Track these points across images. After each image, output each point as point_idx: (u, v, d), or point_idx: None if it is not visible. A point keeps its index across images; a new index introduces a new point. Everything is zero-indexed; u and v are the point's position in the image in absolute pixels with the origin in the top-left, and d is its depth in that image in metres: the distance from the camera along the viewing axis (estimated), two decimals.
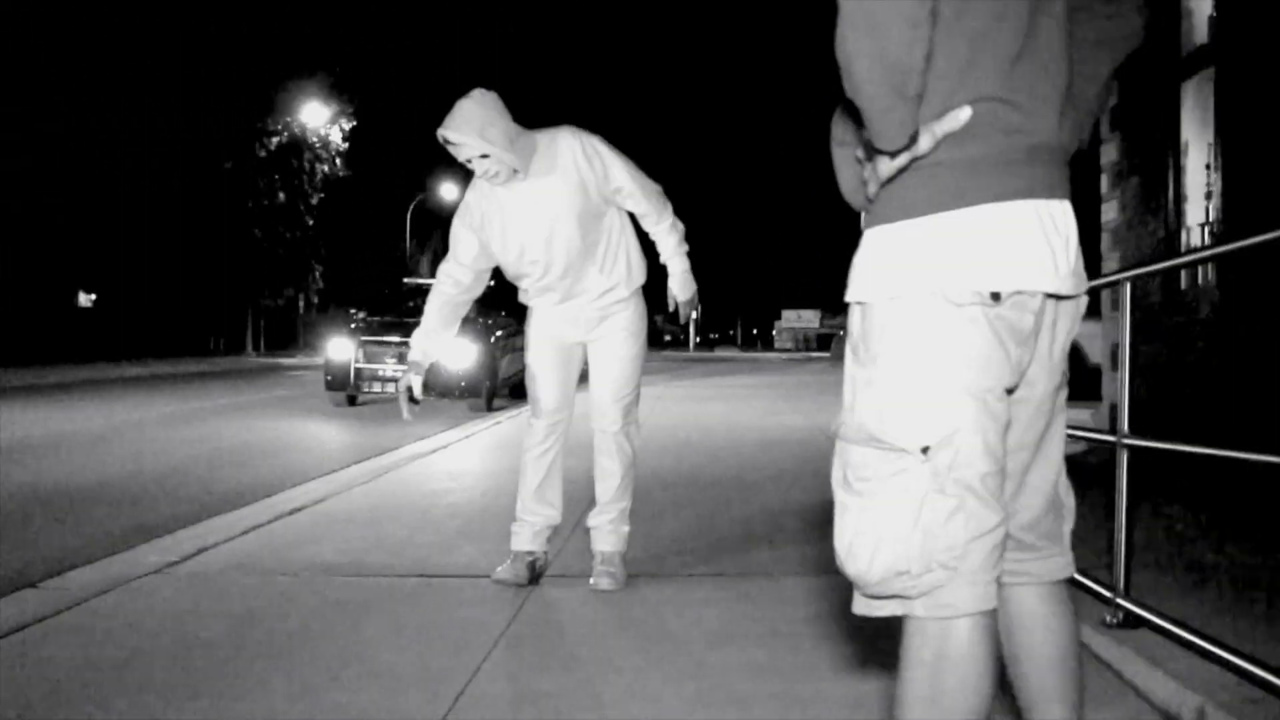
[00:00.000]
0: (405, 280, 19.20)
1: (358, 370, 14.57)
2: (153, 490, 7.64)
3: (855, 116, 1.78)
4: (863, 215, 1.89)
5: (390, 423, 12.76)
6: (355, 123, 46.48)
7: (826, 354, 55.54)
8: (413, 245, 51.55)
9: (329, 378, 14.87)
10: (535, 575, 4.52)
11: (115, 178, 36.05)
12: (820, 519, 5.86)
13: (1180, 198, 8.29)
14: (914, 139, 1.71)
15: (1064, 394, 1.96)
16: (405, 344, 14.22)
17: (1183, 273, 8.51)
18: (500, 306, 15.03)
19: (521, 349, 4.78)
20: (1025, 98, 1.75)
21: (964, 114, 1.72)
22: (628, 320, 4.50)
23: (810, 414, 13.53)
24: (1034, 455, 1.96)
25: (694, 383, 22.97)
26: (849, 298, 1.86)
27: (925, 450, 1.73)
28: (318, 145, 45.03)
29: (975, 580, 1.73)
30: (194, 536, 5.46)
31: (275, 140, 42.90)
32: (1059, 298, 1.83)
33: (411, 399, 4.46)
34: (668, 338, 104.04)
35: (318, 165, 45.20)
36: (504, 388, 15.58)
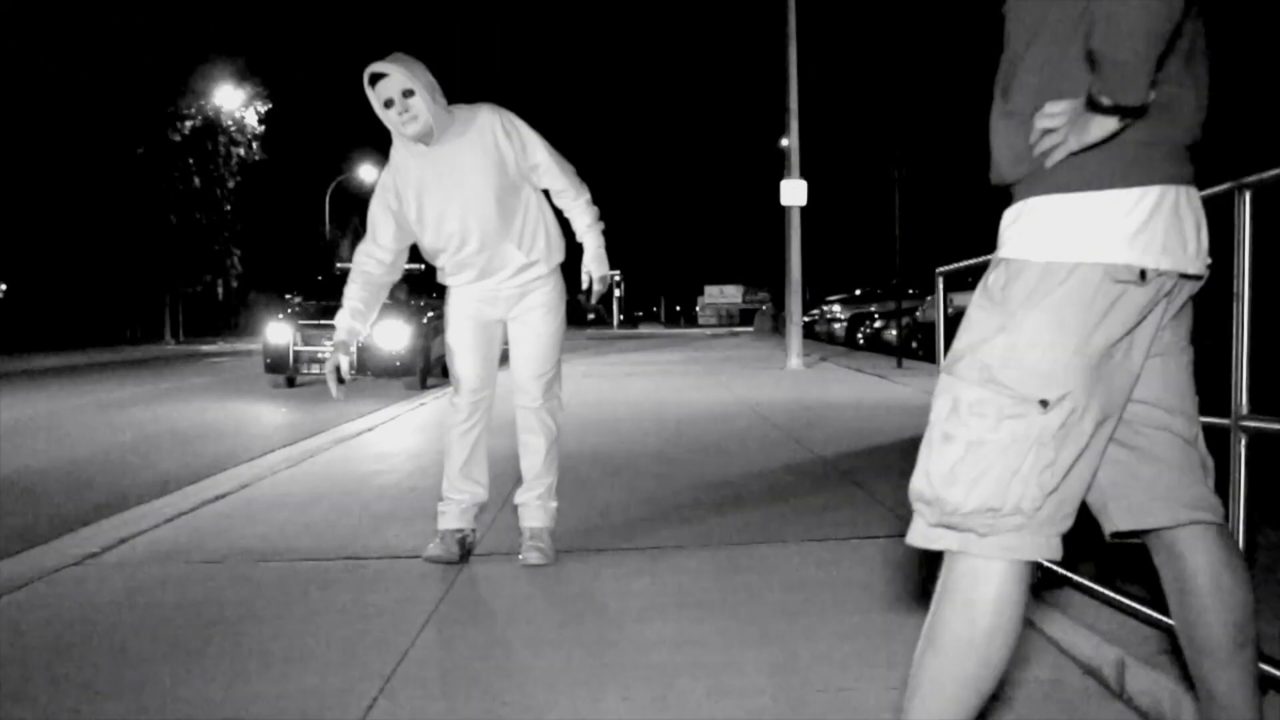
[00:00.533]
0: (338, 265, 19.57)
1: (296, 353, 14.94)
2: (71, 482, 7.49)
3: (1039, 83, 1.90)
4: (1019, 184, 1.95)
5: (316, 406, 12.66)
6: (270, 105, 45.78)
7: (749, 328, 55.87)
8: (332, 228, 50.99)
9: (268, 360, 15.22)
10: (465, 552, 4.51)
11: (23, 165, 35.21)
12: (742, 492, 5.91)
13: None
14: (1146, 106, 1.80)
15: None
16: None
17: None
18: (432, 289, 15.44)
19: None
20: (1190, 91, 1.89)
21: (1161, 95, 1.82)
22: (546, 297, 4.49)
23: (733, 388, 13.61)
24: (1178, 408, 2.04)
25: (618, 359, 22.99)
26: (1003, 254, 1.93)
27: (1044, 404, 1.83)
28: (233, 129, 44.31)
29: (1043, 531, 1.86)
30: (116, 526, 5.37)
31: (189, 124, 42.11)
32: (1189, 277, 1.94)
33: (340, 379, 4.42)
34: (591, 316, 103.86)
35: (233, 149, 44.47)
36: (436, 367, 15.87)
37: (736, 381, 14.87)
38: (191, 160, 42.58)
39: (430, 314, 15.63)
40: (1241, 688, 2.00)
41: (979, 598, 1.85)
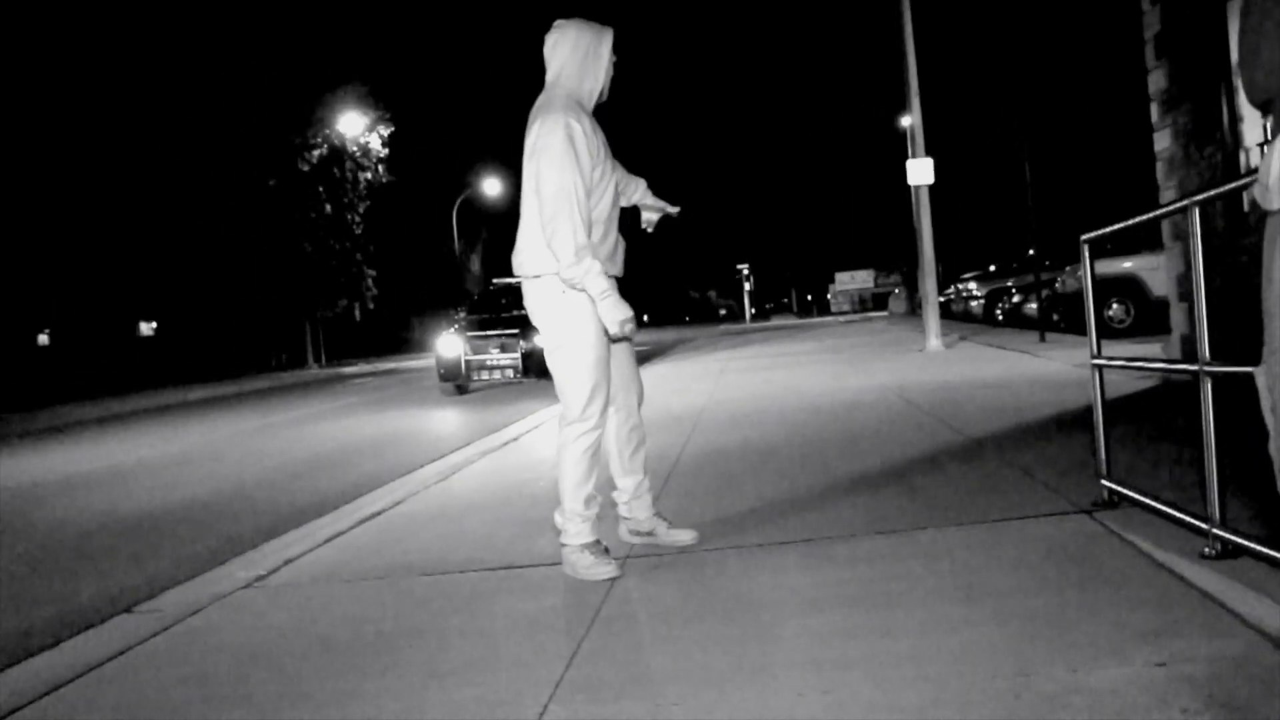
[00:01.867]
0: (494, 281, 21.24)
1: (467, 362, 16.62)
2: (233, 507, 7.74)
3: None
4: None
5: (461, 421, 12.87)
6: (393, 128, 46.67)
7: (884, 313, 55.15)
8: (461, 243, 51.78)
9: (441, 371, 16.94)
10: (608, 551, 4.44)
11: (166, 205, 36.53)
12: (892, 477, 5.81)
13: (1235, 119, 8.12)
14: None
15: None
16: (504, 335, 16.19)
17: (1245, 196, 8.33)
18: None
19: None
20: None
21: None
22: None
23: (873, 373, 13.41)
24: None
25: (754, 352, 22.86)
26: None
27: None
28: (358, 154, 45.26)
29: None
30: (279, 549, 5.54)
31: (316, 153, 43.15)
32: None
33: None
34: (723, 312, 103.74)
35: (360, 174, 45.44)
36: None
37: (876, 366, 14.66)
38: (321, 189, 43.61)
39: None
40: None
41: None
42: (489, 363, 16.54)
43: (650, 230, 4.82)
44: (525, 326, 16.07)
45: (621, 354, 4.51)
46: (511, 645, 3.54)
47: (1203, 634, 2.98)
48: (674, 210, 4.79)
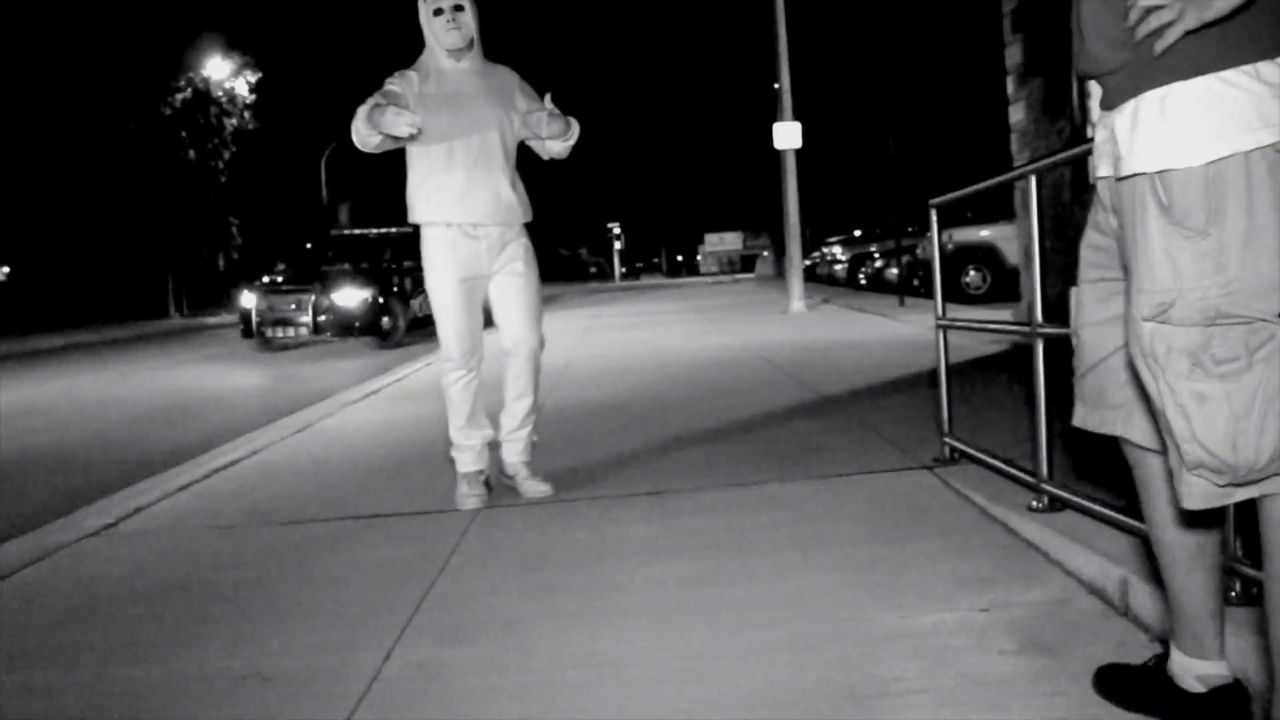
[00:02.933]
0: (332, 232, 20.70)
1: (260, 318, 16.15)
2: (84, 456, 7.55)
3: None
4: (1118, 76, 1.76)
5: (319, 374, 12.70)
6: (260, 74, 45.40)
7: (751, 275, 55.76)
8: (330, 194, 50.76)
9: (242, 326, 16.66)
10: (490, 488, 4.79)
11: (18, 147, 35.11)
12: (747, 433, 5.94)
13: (1084, 93, 8.39)
14: None
15: None
16: (300, 291, 15.78)
17: (1090, 166, 8.62)
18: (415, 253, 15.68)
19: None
20: None
21: None
22: (525, 251, 4.71)
23: (736, 333, 13.60)
24: None
25: (621, 310, 22.98)
26: (1133, 169, 1.74)
27: None
28: (224, 99, 43.97)
29: None
30: (130, 497, 5.41)
31: (179, 97, 41.80)
32: None
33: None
34: (593, 270, 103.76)
35: (225, 120, 44.15)
36: (409, 328, 16.92)
37: (739, 327, 14.87)
38: (184, 133, 42.29)
39: (407, 278, 16.92)
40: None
41: None
42: (284, 319, 16.02)
43: (554, 152, 4.76)
44: (327, 281, 16.04)
45: (510, 300, 4.66)
46: (360, 591, 3.54)
47: (1025, 582, 3.13)
48: (546, 111, 4.59)
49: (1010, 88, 9.87)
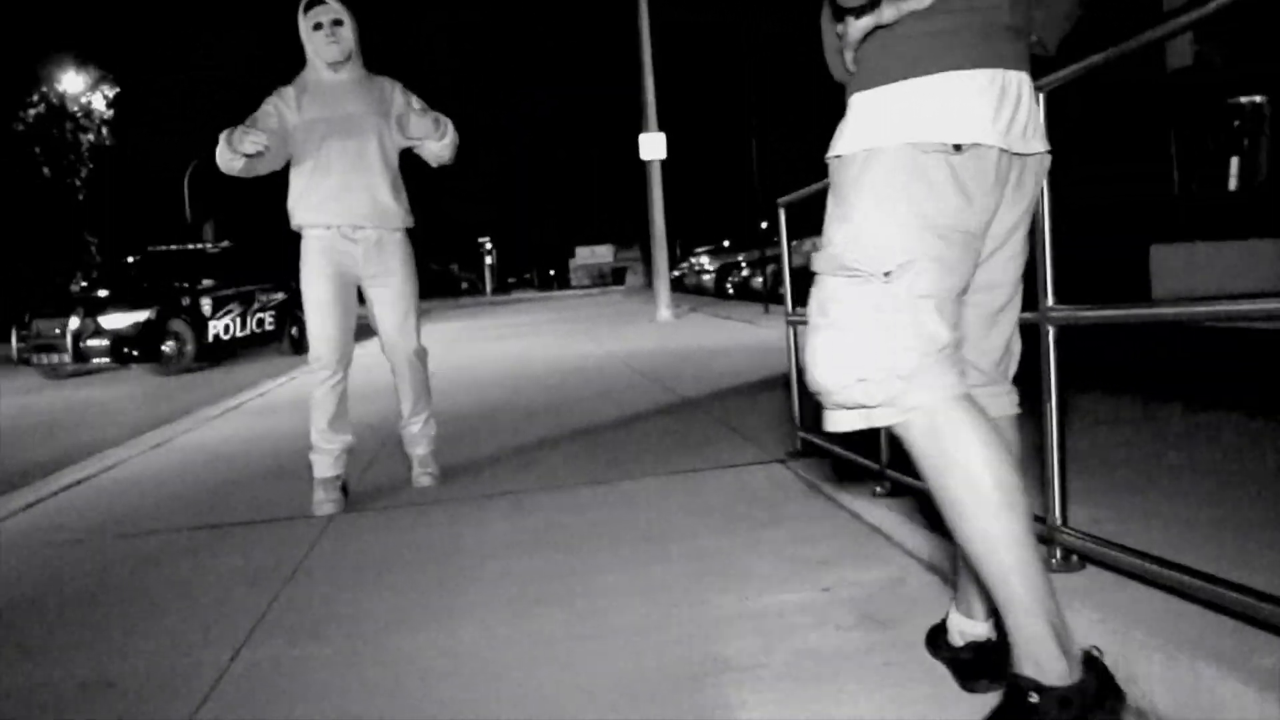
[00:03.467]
0: (149, 248, 19.14)
1: (20, 343, 15.56)
2: None
3: None
4: (847, 88, 2.11)
5: (186, 390, 12.42)
6: (118, 89, 44.19)
7: (621, 286, 55.95)
8: (194, 211, 49.61)
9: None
10: (346, 494, 4.82)
11: None
12: (606, 436, 5.99)
13: None
14: (876, 2, 1.97)
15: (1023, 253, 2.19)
16: (59, 316, 15.04)
17: None
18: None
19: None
20: None
21: None
22: (402, 255, 4.82)
23: (602, 342, 13.67)
24: (1008, 297, 2.20)
25: (490, 323, 22.87)
26: (832, 154, 2.09)
27: (887, 274, 1.97)
28: (80, 115, 42.69)
29: (931, 385, 1.96)
30: None
31: (32, 111, 40.47)
32: (1021, 155, 2.06)
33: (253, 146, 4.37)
34: (465, 285, 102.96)
35: (82, 135, 42.87)
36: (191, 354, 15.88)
37: (605, 336, 14.94)
38: (38, 149, 40.95)
39: (207, 298, 16.04)
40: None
41: (934, 453, 1.96)
42: (48, 344, 15.02)
43: (436, 153, 4.81)
44: (91, 306, 15.14)
45: (385, 302, 4.81)
46: (211, 596, 3.50)
47: (865, 562, 3.23)
48: (412, 110, 4.74)
49: None
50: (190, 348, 15.52)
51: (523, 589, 3.28)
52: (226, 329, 16.22)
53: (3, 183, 38.92)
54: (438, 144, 4.74)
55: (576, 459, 5.37)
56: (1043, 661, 1.90)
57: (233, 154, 4.41)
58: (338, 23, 4.63)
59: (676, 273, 31.19)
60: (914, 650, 2.48)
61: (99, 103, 43.31)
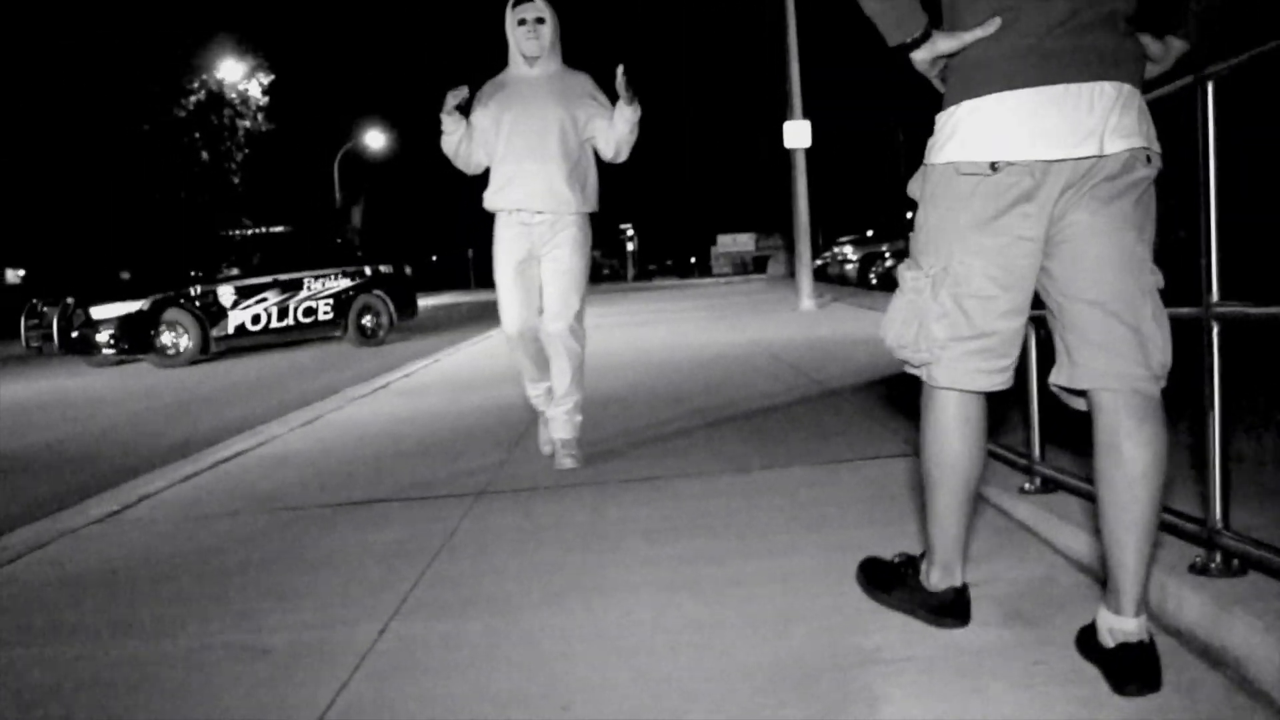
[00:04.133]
0: (221, 233, 19.65)
1: (28, 331, 16.28)
2: (96, 450, 7.62)
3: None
4: None
5: (332, 371, 12.78)
6: (273, 76, 45.49)
7: (763, 275, 55.70)
8: (343, 196, 50.84)
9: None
10: None
11: (34, 151, 35.26)
12: (749, 424, 5.98)
13: None
14: (926, 35, 2.34)
15: (1135, 242, 2.31)
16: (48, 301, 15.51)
17: None
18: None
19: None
20: (1033, 11, 2.24)
21: (993, 24, 2.26)
22: (575, 235, 5.13)
23: (745, 330, 13.64)
24: (1091, 285, 2.32)
25: (634, 309, 22.99)
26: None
27: (930, 271, 2.45)
28: (237, 101, 44.06)
29: (953, 368, 2.46)
30: (135, 487, 5.49)
31: (193, 99, 41.89)
32: (1093, 158, 2.25)
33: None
34: (606, 271, 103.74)
35: (239, 121, 44.25)
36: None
37: (748, 324, 14.90)
38: (198, 135, 42.38)
39: (223, 288, 16.00)
40: (1131, 543, 2.30)
41: (929, 416, 2.57)
42: (49, 333, 15.36)
43: (619, 139, 5.13)
44: (84, 295, 15.21)
45: (550, 280, 5.13)
46: (359, 571, 3.60)
47: (1013, 559, 3.17)
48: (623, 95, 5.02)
49: None
50: (191, 343, 15.48)
51: (663, 574, 3.30)
52: (256, 319, 16.21)
53: (166, 168, 40.38)
54: (625, 127, 5.08)
55: (718, 446, 5.38)
56: (934, 568, 2.69)
57: (448, 127, 5.04)
58: (540, 20, 5.03)
59: (819, 262, 30.90)
60: (1063, 650, 2.43)
61: (255, 89, 44.60)
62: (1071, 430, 3.81)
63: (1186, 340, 2.43)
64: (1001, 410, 5.12)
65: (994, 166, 2.27)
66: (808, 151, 18.31)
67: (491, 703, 2.43)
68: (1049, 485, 3.63)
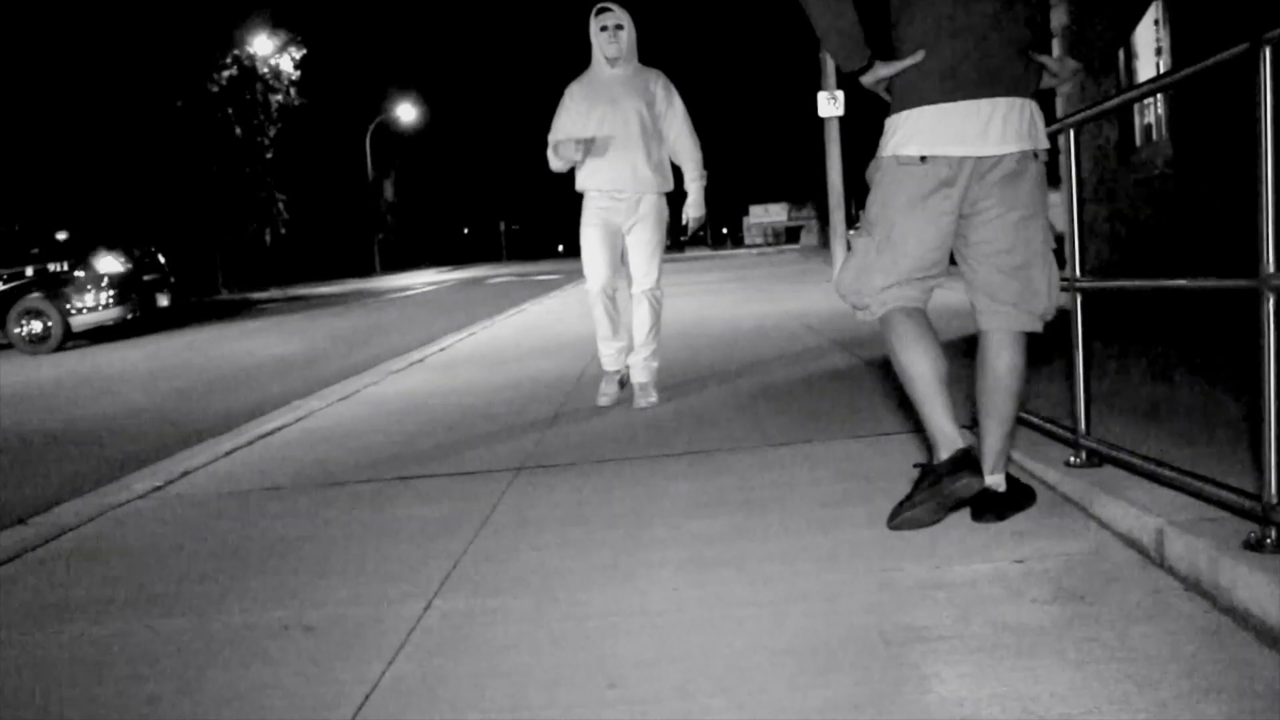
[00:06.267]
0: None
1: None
2: (132, 426, 7.67)
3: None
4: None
5: (372, 345, 12.80)
6: (305, 50, 45.51)
7: (796, 245, 55.47)
8: (374, 169, 50.99)
9: None
10: (623, 387, 6.30)
11: (66, 124, 35.44)
12: (784, 396, 5.95)
13: (1131, 55, 8.29)
14: (869, 64, 3.16)
15: (1032, 223, 3.19)
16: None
17: (1137, 133, 8.52)
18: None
19: None
20: (948, 45, 3.07)
21: (917, 56, 3.09)
22: (654, 210, 6.08)
23: (778, 301, 13.58)
24: (1024, 259, 3.20)
25: (665, 282, 22.91)
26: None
27: (873, 234, 3.27)
28: (269, 76, 44.12)
29: (885, 302, 3.29)
30: (178, 461, 5.53)
31: (226, 74, 41.96)
32: (998, 155, 3.09)
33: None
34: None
35: (271, 96, 44.30)
36: None
37: (783, 296, 14.84)
38: (231, 110, 42.47)
39: (75, 272, 16.13)
40: (994, 428, 3.31)
41: (889, 341, 3.31)
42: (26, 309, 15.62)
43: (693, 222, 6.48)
44: (46, 282, 15.50)
45: (634, 249, 6.11)
46: (402, 547, 3.60)
47: (1061, 535, 3.14)
48: (687, 233, 6.60)
49: (1055, 50, 9.76)
50: (57, 329, 15.71)
51: (706, 550, 3.28)
52: (98, 303, 16.19)
53: (199, 141, 40.50)
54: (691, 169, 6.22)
55: (757, 419, 5.35)
56: (940, 449, 3.24)
57: (558, 159, 6.02)
58: (619, 27, 5.92)
59: (853, 232, 30.70)
60: (1115, 626, 2.40)
61: (286, 64, 44.65)
62: (1119, 403, 3.77)
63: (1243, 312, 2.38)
64: (1045, 384, 5.08)
65: (923, 159, 3.10)
66: (841, 120, 18.16)
67: (537, 684, 2.42)
68: (1094, 459, 3.59)
